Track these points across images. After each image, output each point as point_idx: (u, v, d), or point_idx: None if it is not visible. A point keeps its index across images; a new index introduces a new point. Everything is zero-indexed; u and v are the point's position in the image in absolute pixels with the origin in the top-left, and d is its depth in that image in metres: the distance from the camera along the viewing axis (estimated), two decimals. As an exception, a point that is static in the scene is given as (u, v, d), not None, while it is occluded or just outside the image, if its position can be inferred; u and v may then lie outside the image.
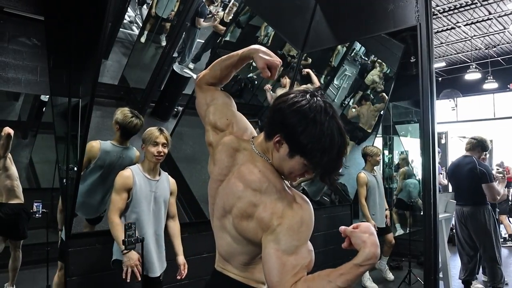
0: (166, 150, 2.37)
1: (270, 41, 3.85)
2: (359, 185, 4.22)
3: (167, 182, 2.48)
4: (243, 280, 1.18)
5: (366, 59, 5.04)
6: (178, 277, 2.51)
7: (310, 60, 4.18)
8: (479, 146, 3.86)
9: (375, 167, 4.39)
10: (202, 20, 3.45)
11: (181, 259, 2.51)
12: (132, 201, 2.29)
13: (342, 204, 4.92)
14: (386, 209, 4.42)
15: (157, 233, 2.40)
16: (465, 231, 3.82)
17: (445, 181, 6.52)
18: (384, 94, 5.03)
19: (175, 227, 2.53)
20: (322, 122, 1.00)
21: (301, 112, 1.01)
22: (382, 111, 5.10)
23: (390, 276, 4.48)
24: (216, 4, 3.52)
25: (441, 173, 6.61)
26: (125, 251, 2.13)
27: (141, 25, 3.38)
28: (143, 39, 3.26)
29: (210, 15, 3.51)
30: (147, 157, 2.35)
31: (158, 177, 2.42)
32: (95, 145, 2.58)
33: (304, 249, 1.01)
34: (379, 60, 5.01)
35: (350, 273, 0.94)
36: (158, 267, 2.39)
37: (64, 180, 2.76)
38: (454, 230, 5.70)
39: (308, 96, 1.03)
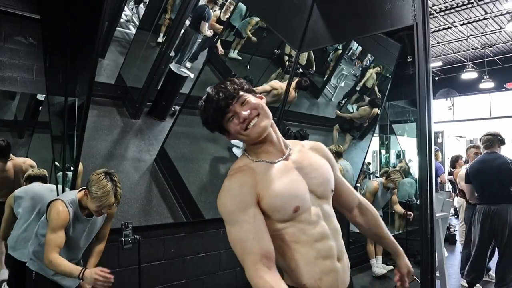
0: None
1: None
2: (368, 191, 4.49)
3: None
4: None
5: (366, 64, 5.05)
6: None
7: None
8: (498, 141, 3.68)
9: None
10: (207, 24, 3.45)
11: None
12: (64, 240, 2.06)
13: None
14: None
15: (80, 258, 2.26)
16: (486, 232, 3.60)
17: (446, 180, 6.56)
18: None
19: (99, 247, 2.31)
20: (204, 107, 1.21)
21: (203, 111, 1.22)
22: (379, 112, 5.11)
23: (387, 268, 4.49)
24: (218, 4, 3.52)
25: (444, 172, 6.61)
26: (83, 282, 1.97)
27: (137, 24, 3.38)
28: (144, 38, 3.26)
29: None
30: (88, 204, 2.05)
31: None
32: (9, 197, 2.59)
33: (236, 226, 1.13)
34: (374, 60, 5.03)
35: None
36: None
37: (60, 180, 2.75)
38: (450, 230, 5.74)
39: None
